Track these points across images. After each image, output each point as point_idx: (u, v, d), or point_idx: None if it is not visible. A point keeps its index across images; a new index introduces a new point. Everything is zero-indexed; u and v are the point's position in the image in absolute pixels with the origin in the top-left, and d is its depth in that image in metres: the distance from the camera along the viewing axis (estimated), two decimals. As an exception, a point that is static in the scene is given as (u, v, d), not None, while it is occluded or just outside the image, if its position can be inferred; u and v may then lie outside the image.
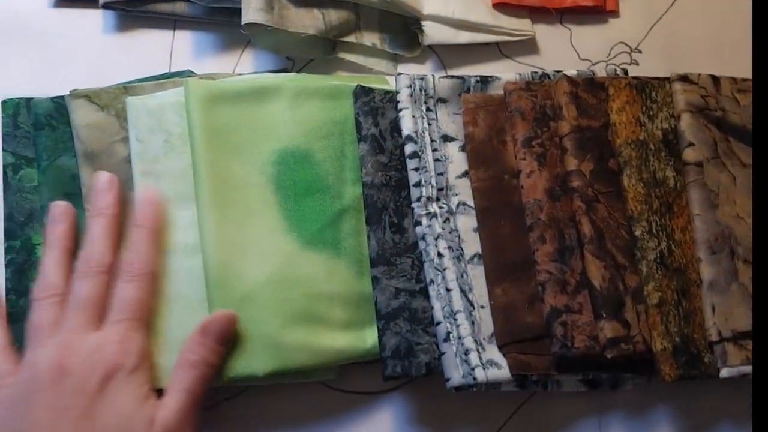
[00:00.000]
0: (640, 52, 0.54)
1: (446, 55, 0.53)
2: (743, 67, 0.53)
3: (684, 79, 0.48)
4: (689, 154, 0.46)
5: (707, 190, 0.46)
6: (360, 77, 0.52)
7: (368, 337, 0.45)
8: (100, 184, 0.45)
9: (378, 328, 0.44)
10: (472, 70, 0.53)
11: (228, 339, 0.43)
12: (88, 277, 0.43)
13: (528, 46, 0.54)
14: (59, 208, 0.45)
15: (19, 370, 0.41)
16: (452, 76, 0.49)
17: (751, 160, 0.48)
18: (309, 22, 0.50)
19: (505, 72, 0.51)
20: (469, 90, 0.50)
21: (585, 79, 0.48)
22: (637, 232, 0.45)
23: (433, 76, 0.49)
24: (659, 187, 0.46)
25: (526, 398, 0.47)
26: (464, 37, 0.52)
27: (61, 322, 0.42)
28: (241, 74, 0.51)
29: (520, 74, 0.50)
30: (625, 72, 0.51)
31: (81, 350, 0.40)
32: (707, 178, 0.46)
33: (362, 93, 0.49)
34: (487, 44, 0.53)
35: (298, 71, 0.52)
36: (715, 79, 0.48)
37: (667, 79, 0.49)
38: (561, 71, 0.50)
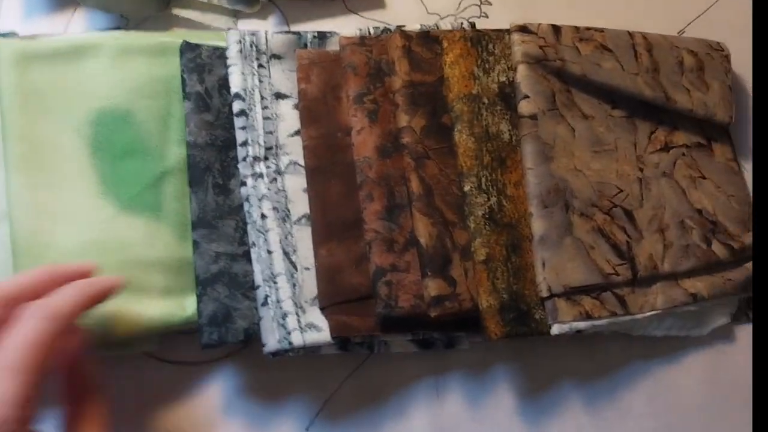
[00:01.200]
0: (490, 4, 0.52)
1: (289, 10, 0.51)
2: (596, 19, 0.51)
3: (523, 29, 0.46)
4: (524, 107, 0.45)
5: (541, 143, 0.44)
6: (197, 33, 0.49)
7: (189, 305, 0.43)
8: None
9: (197, 294, 0.43)
10: (317, 26, 0.51)
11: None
12: None
13: (375, 1, 0.51)
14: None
15: None
16: (287, 32, 0.47)
17: (593, 110, 0.46)
18: (136, -24, 0.48)
19: (349, 27, 0.49)
20: (306, 46, 0.47)
21: (419, 33, 0.46)
22: (466, 188, 0.43)
23: (266, 31, 0.47)
24: (492, 141, 0.44)
25: (359, 363, 0.45)
26: (305, -10, 0.50)
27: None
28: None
29: (360, 30, 0.48)
30: (473, 26, 0.50)
31: None
32: (541, 131, 0.45)
33: (188, 49, 0.46)
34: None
35: (133, 29, 0.49)
36: (556, 29, 0.46)
37: (508, 30, 0.47)
38: (403, 26, 0.48)
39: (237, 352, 0.45)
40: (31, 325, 0.35)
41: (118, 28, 0.50)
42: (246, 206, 0.44)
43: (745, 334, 0.47)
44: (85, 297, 0.38)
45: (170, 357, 0.45)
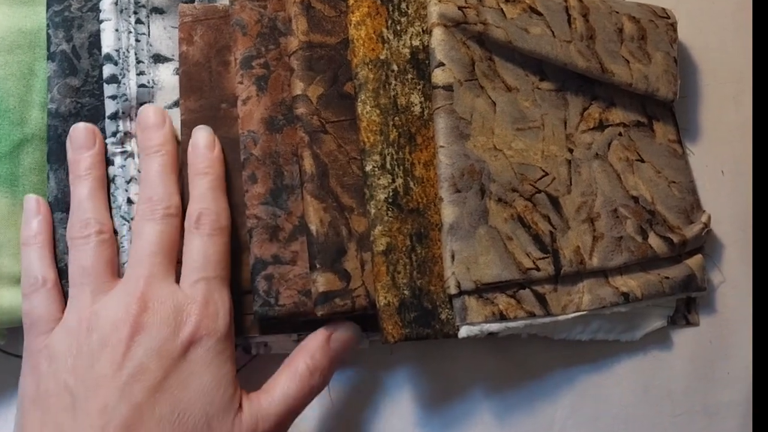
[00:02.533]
0: (412, -41, 0.46)
1: (181, -40, 0.45)
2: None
3: (441, -13, 0.40)
4: (438, 76, 0.39)
5: (456, 118, 0.39)
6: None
7: (42, 296, 0.38)
8: (148, 119, 0.38)
9: (50, 285, 0.37)
10: (213, -21, 0.45)
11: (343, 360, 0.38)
12: (155, 219, 0.35)
13: (279, -49, 0.45)
14: (83, 131, 0.38)
15: (71, 319, 0.34)
16: (172, -18, 0.41)
17: (518, 82, 0.40)
18: None
19: (248, -20, 0.43)
20: (192, 0, 0.41)
21: (322, -14, 0.40)
22: (368, 168, 0.38)
23: (146, -19, 0.41)
24: (400, 114, 0.39)
25: (246, 361, 0.40)
26: (197, -63, 0.44)
27: (124, 268, 0.36)
28: None
29: (257, -19, 0.42)
30: (389, -19, 0.44)
31: (161, 305, 0.34)
32: (457, 105, 0.39)
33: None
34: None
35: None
36: (480, -12, 0.41)
37: (426, -13, 0.41)
38: (308, -21, 0.42)
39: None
40: (203, 240, 0.36)
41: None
42: (111, 188, 0.38)
43: (683, 338, 0.42)
44: None
45: (19, 351, 0.39)
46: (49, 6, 0.39)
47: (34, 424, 0.32)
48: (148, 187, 0.36)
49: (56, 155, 0.38)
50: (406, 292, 0.37)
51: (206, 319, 0.34)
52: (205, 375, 0.33)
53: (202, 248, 0.35)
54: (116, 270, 0.36)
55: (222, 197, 0.37)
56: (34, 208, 0.37)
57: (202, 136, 0.38)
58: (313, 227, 0.37)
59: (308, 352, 0.36)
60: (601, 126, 0.42)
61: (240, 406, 0.34)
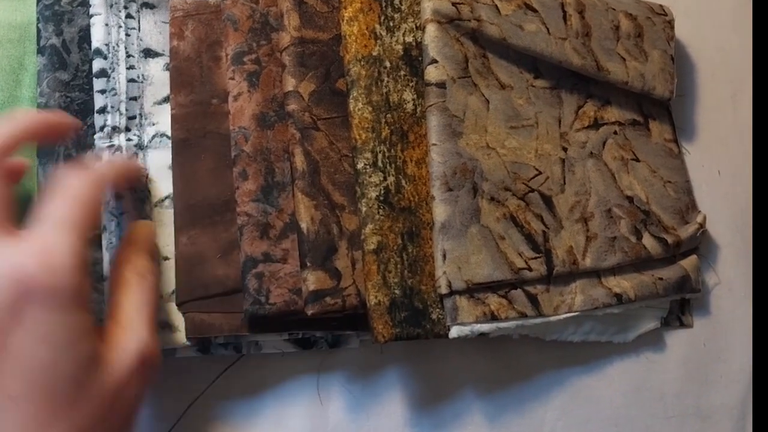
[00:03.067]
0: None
1: (173, -46, 0.44)
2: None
3: (435, -18, 0.40)
4: (431, 73, 0.38)
5: (449, 115, 0.38)
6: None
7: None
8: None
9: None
10: (205, -26, 0.44)
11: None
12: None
13: (273, -55, 0.45)
14: None
15: None
16: (163, -24, 0.41)
17: (512, 80, 0.40)
18: None
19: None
20: (184, -7, 0.41)
21: (314, -19, 0.40)
22: (359, 165, 0.37)
23: (137, -25, 0.40)
24: (393, 111, 0.38)
25: (233, 360, 0.39)
26: (189, -69, 0.43)
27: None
28: None
29: (250, -25, 0.41)
30: (384, -23, 0.43)
31: None
32: (450, 102, 0.38)
33: (45, -7, 0.40)
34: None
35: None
36: (475, -16, 0.40)
37: (420, -17, 0.41)
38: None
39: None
40: (75, 182, 0.31)
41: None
42: (99, 183, 0.37)
43: (676, 340, 0.42)
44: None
45: None
46: (39, 0, 0.39)
47: None
48: None
49: (45, 150, 0.38)
50: (396, 291, 0.36)
51: (42, 270, 0.28)
52: (45, 339, 0.28)
53: (63, 190, 0.31)
54: None
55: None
56: None
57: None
58: (303, 225, 0.36)
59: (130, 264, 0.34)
60: (596, 124, 0.41)
61: (101, 358, 0.30)
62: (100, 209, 0.33)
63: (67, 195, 0.30)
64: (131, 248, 0.35)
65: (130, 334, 0.31)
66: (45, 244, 0.29)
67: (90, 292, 0.31)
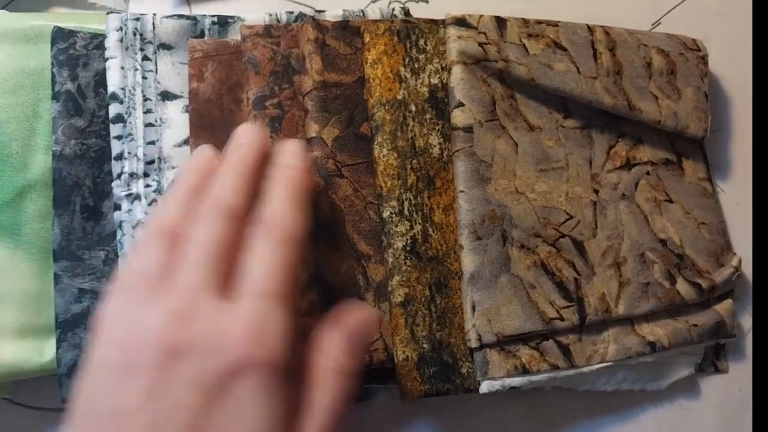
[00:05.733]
0: (430, -13, 0.44)
1: (190, -11, 0.43)
2: (549, 7, 0.44)
3: (460, 22, 0.38)
4: (457, 117, 0.37)
5: (476, 160, 0.37)
6: (81, 14, 0.41)
7: (47, 348, 0.36)
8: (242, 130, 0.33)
9: (56, 338, 0.36)
10: (224, 8, 0.43)
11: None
12: (211, 219, 0.29)
13: (292, -21, 0.44)
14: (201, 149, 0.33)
15: (102, 330, 0.28)
16: (180, 16, 0.39)
17: (541, 121, 0.39)
18: (0, -55, 0.40)
19: (261, 11, 0.41)
20: (202, 34, 0.40)
21: (337, 23, 0.38)
22: (385, 214, 0.36)
23: (153, 15, 0.39)
24: (418, 157, 0.37)
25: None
26: (207, -34, 0.42)
27: (172, 276, 0.28)
28: None
29: (271, 14, 0.40)
30: (407, 12, 0.42)
31: (201, 324, 0.27)
32: (477, 146, 0.37)
33: (60, 36, 0.38)
34: (242, -24, 0.43)
35: (3, 8, 0.41)
36: (501, 22, 0.39)
37: (444, 21, 0.39)
38: (323, 11, 0.41)
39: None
40: (270, 248, 0.29)
41: (-17, 7, 0.42)
42: (118, 235, 0.36)
43: (712, 386, 0.41)
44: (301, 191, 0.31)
45: (29, 401, 0.38)
46: (53, 44, 0.38)
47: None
48: (214, 186, 0.31)
49: (61, 200, 0.37)
50: (425, 345, 0.35)
51: (255, 345, 0.27)
52: (249, 416, 0.26)
53: (266, 257, 0.29)
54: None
55: (302, 207, 0.31)
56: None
57: (293, 144, 0.33)
58: (329, 278, 0.35)
59: (331, 356, 0.30)
60: (628, 165, 0.40)
61: None
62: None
63: (277, 263, 0.29)
64: (352, 341, 0.31)
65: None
66: (260, 318, 0.27)
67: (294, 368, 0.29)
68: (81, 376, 0.27)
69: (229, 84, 0.39)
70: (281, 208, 0.30)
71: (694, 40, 0.42)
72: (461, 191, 0.37)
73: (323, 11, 0.41)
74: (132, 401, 0.26)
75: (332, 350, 0.30)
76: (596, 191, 0.39)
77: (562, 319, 0.37)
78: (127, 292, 0.28)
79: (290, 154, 0.32)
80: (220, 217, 0.29)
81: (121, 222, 0.36)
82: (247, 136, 0.33)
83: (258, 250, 0.29)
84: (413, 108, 0.37)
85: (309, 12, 0.40)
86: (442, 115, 0.38)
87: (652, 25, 0.45)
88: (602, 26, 0.40)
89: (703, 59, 0.41)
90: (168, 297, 0.28)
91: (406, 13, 0.42)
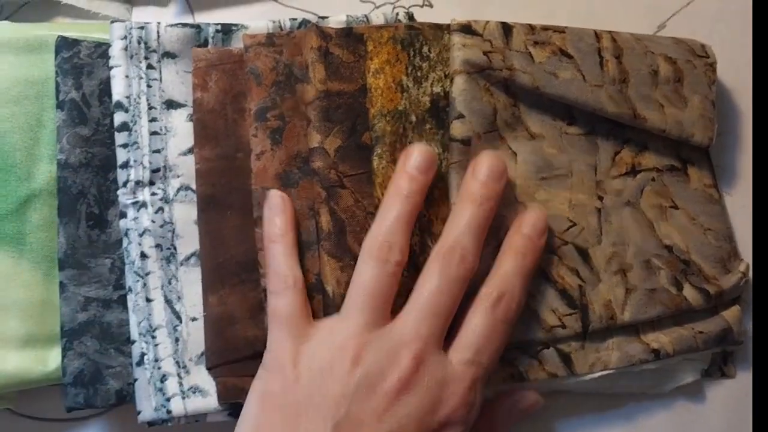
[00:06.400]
0: (437, -9, 0.44)
1: (194, -4, 0.43)
2: (556, 10, 0.43)
3: (465, 29, 0.38)
4: (456, 128, 0.37)
5: (472, 173, 0.37)
6: (85, 24, 0.41)
7: (52, 358, 0.37)
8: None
9: (61, 347, 0.36)
10: (227, 16, 0.43)
11: None
12: (444, 274, 0.33)
13: (297, -15, 0.43)
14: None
15: (339, 340, 0.33)
16: (184, 25, 0.39)
17: (543, 129, 0.38)
18: (4, -46, 0.40)
19: (264, 18, 0.41)
20: (206, 42, 0.39)
21: (341, 31, 0.38)
22: (385, 225, 0.36)
23: (158, 23, 0.39)
24: (419, 167, 0.37)
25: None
26: (211, -27, 0.42)
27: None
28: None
29: (274, 22, 0.40)
30: (411, 17, 0.42)
31: (433, 372, 0.32)
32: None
33: (64, 46, 0.38)
34: (246, -18, 0.43)
35: (6, 19, 0.42)
36: (507, 28, 0.38)
37: (449, 27, 0.39)
38: (326, 17, 0.40)
39: (111, 409, 0.39)
40: (492, 325, 0.34)
41: (-12, 17, 0.42)
42: (124, 242, 0.37)
43: (719, 391, 0.40)
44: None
45: (32, 412, 0.38)
46: (57, 53, 0.38)
47: (273, 425, 0.32)
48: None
49: (67, 208, 0.37)
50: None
51: (464, 406, 0.32)
52: None
53: (490, 332, 0.33)
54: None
55: (528, 286, 0.35)
56: (279, 205, 0.36)
57: (537, 215, 0.36)
58: (329, 288, 0.35)
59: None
60: (633, 171, 0.40)
61: None
62: None
63: (496, 343, 0.34)
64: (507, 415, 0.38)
65: None
66: (473, 387, 0.33)
67: None
68: (315, 366, 0.32)
69: (233, 93, 0.39)
70: (512, 286, 0.34)
71: (702, 46, 0.41)
72: (455, 204, 0.36)
73: (326, 17, 0.41)
74: (366, 417, 0.31)
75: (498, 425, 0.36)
76: (600, 198, 0.39)
77: (563, 326, 0.37)
78: (367, 314, 0.33)
79: (533, 227, 0.36)
80: (452, 275, 0.33)
81: (127, 230, 0.37)
82: (489, 186, 0.35)
83: (480, 322, 0.34)
84: (413, 119, 0.37)
85: (312, 18, 0.40)
86: (442, 124, 0.38)
87: (658, 27, 0.44)
88: (609, 32, 0.40)
89: (712, 66, 0.41)
90: (410, 344, 0.32)
91: (411, 17, 0.42)
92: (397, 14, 0.42)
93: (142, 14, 0.43)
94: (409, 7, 0.43)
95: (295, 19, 0.40)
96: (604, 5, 0.44)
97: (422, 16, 0.43)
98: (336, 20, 0.40)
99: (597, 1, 0.44)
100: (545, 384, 0.37)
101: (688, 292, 0.39)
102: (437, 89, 0.38)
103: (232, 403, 0.35)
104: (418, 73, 0.38)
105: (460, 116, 0.37)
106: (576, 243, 0.38)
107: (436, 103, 0.38)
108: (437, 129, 0.37)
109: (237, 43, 0.40)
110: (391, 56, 0.38)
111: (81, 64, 0.38)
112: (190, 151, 0.38)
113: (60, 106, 0.38)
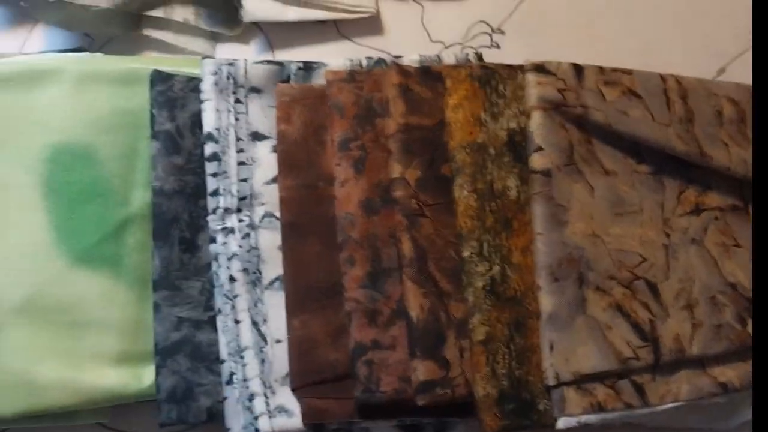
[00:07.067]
0: (503, 33, 0.46)
1: (275, 34, 0.45)
2: (618, 54, 0.45)
3: (539, 69, 0.40)
4: (536, 161, 0.39)
5: (554, 204, 0.38)
6: (172, 59, 0.44)
7: (146, 375, 0.38)
8: None
9: (155, 364, 0.38)
10: (305, 53, 0.45)
11: None
12: None
13: (371, 26, 0.46)
14: None
15: None
16: (269, 62, 0.42)
17: (616, 165, 0.40)
18: (102, -7, 0.42)
19: (341, 56, 0.43)
20: (288, 78, 0.42)
21: (419, 69, 0.40)
22: (465, 254, 0.38)
23: (245, 60, 0.41)
24: (496, 199, 0.39)
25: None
26: (293, 13, 0.44)
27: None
28: (26, 54, 0.43)
29: (351, 60, 0.42)
30: (480, 57, 0.44)
31: None
32: (555, 190, 0.39)
33: (159, 79, 0.41)
34: (323, 22, 0.45)
35: (97, 51, 0.44)
36: (578, 69, 0.40)
37: (522, 67, 0.41)
38: (401, 57, 0.43)
39: (199, 425, 0.40)
40: None
41: (80, 49, 0.44)
42: (214, 266, 0.38)
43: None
44: None
45: (124, 427, 0.40)
46: (152, 86, 0.41)
47: None
48: None
49: (161, 233, 0.39)
50: (504, 382, 0.36)
51: None
52: None
53: None
54: None
55: None
56: None
57: None
58: (413, 314, 0.37)
59: None
60: (697, 210, 0.41)
61: None
62: None
63: None
64: None
65: None
66: None
67: None
68: None
69: (314, 126, 0.41)
70: None
71: (763, 89, 0.43)
72: (539, 233, 0.38)
73: (401, 57, 0.43)
74: None
75: None
76: (668, 235, 0.40)
77: (637, 358, 0.38)
78: None
79: None
80: None
81: (217, 254, 0.38)
82: None
83: None
84: (492, 151, 0.39)
85: (384, 57, 0.43)
86: (519, 158, 0.39)
87: (717, 72, 0.46)
88: (673, 75, 0.42)
89: (773, 108, 0.42)
90: None
91: (480, 57, 0.44)
92: (467, 55, 0.44)
93: (224, 50, 0.45)
94: (478, 47, 0.46)
95: (371, 58, 0.42)
96: (664, 51, 0.46)
97: (490, 56, 0.45)
98: (410, 59, 0.43)
99: (657, 47, 0.47)
100: (621, 418, 0.38)
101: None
102: (513, 125, 0.40)
103: (315, 424, 0.37)
104: (495, 109, 0.40)
105: (539, 149, 0.38)
106: (646, 278, 0.39)
107: (513, 138, 0.39)
108: (515, 162, 0.39)
109: (317, 80, 0.42)
110: (470, 92, 0.40)
111: (174, 97, 0.41)
112: (274, 180, 0.40)
113: (155, 136, 0.40)
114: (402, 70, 0.40)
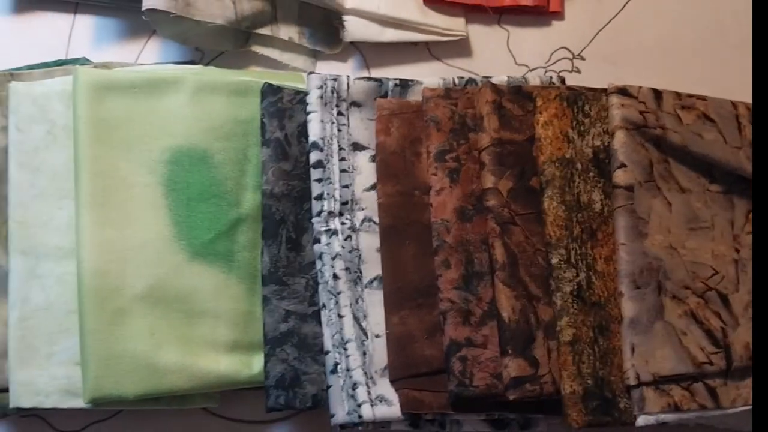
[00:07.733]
0: (583, 59, 0.49)
1: (371, 53, 0.49)
2: (693, 79, 0.48)
3: (622, 92, 0.43)
4: (620, 177, 0.42)
5: (635, 217, 0.41)
6: (275, 73, 0.48)
7: (255, 362, 0.41)
8: None
9: (264, 353, 0.41)
10: (398, 72, 0.49)
11: None
12: None
13: (460, 48, 0.49)
14: None
15: None
16: (369, 78, 0.45)
17: (690, 184, 0.43)
18: (218, 11, 0.46)
19: (432, 75, 0.46)
20: (386, 94, 0.45)
21: (511, 88, 0.44)
22: (554, 261, 0.41)
23: (347, 77, 0.45)
24: (582, 211, 0.42)
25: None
26: (390, 34, 0.48)
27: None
28: (142, 65, 0.47)
29: (444, 79, 0.46)
30: (563, 80, 0.47)
31: None
32: (637, 204, 0.42)
33: (270, 92, 0.44)
34: (416, 44, 0.49)
35: (207, 64, 0.48)
36: (657, 94, 0.44)
37: (605, 90, 0.44)
38: (490, 77, 0.46)
39: (296, 414, 0.43)
40: None
41: (191, 62, 0.48)
42: (318, 264, 0.41)
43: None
44: None
45: (226, 413, 0.43)
46: (263, 97, 0.44)
47: None
48: None
49: (270, 232, 0.42)
50: (589, 381, 0.39)
51: None
52: None
53: None
54: None
55: None
56: None
57: None
58: (505, 314, 0.40)
59: None
60: (766, 227, 0.44)
61: None
62: None
63: None
64: None
65: None
66: None
67: None
68: None
69: (411, 139, 0.44)
70: None
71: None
72: (622, 243, 0.41)
73: (490, 77, 0.46)
74: None
75: None
76: (737, 250, 0.43)
77: (711, 363, 0.40)
78: None
79: None
80: None
81: (321, 253, 0.41)
82: None
83: None
84: (579, 166, 0.42)
85: (474, 77, 0.46)
86: (603, 174, 0.43)
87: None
88: (744, 102, 0.45)
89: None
90: None
91: (563, 81, 0.47)
92: (551, 77, 0.47)
93: (323, 68, 0.49)
94: (560, 71, 0.49)
95: (462, 78, 0.46)
96: (734, 79, 0.49)
97: (571, 80, 0.48)
98: (499, 79, 0.46)
99: (726, 76, 0.50)
100: (696, 419, 0.40)
101: (817, 339, 0.43)
102: (597, 143, 0.43)
103: (412, 414, 0.39)
104: (581, 128, 0.43)
105: (623, 165, 0.42)
106: (718, 289, 0.42)
107: (597, 155, 0.43)
108: (599, 178, 0.42)
109: (412, 96, 0.45)
110: (559, 111, 0.43)
111: (283, 109, 0.44)
112: (373, 187, 0.44)
113: (266, 143, 0.43)
114: (496, 89, 0.43)
